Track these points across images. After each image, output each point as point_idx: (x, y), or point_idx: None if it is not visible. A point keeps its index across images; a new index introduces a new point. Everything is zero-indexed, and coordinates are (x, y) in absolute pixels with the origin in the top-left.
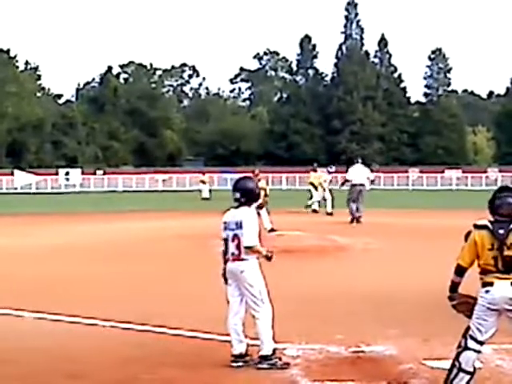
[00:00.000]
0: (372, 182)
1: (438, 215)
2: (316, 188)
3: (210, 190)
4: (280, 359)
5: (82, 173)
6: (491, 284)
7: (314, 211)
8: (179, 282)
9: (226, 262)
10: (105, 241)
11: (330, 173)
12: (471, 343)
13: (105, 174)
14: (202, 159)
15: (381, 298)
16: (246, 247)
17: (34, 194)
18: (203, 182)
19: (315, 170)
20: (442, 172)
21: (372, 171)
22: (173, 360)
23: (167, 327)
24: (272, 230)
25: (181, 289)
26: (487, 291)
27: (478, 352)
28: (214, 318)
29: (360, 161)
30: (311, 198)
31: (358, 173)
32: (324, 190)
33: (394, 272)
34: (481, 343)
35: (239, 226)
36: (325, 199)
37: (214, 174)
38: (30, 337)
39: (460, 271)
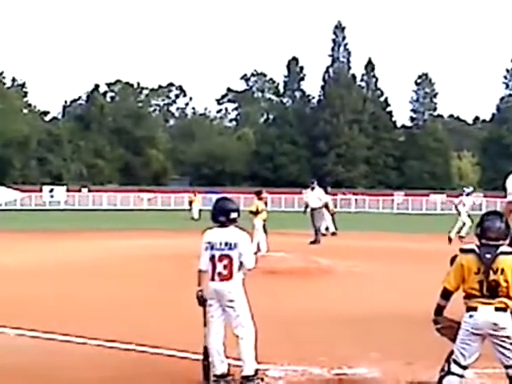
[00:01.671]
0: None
1: (422, 239)
2: (329, 211)
3: (200, 211)
4: (262, 380)
5: (67, 190)
6: (475, 309)
7: (334, 234)
8: (161, 302)
9: (200, 282)
10: (88, 259)
11: (468, 195)
12: (454, 367)
13: (90, 191)
14: (188, 179)
15: (364, 320)
16: (249, 269)
17: (18, 210)
18: (191, 202)
19: (327, 193)
20: (427, 196)
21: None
22: (152, 380)
23: (148, 346)
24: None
25: (163, 308)
26: (471, 316)
27: (461, 376)
28: (196, 338)
29: (315, 183)
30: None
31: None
32: (460, 214)
33: (377, 295)
34: (464, 368)
35: (232, 246)
36: (463, 224)
37: (199, 194)
38: (8, 354)
39: (446, 294)
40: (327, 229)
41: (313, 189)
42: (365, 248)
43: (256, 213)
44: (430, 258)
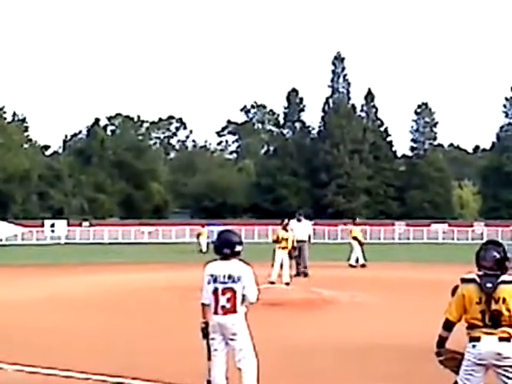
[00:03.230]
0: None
1: (424, 269)
2: (360, 242)
3: (208, 244)
4: None
5: (68, 224)
6: (478, 339)
7: (352, 266)
8: (161, 335)
9: (204, 315)
10: (89, 293)
11: None
12: None
13: (91, 225)
14: (189, 212)
15: (368, 351)
16: (252, 302)
17: (20, 245)
18: (199, 235)
19: (356, 224)
20: (429, 226)
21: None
22: None
23: (151, 380)
24: (287, 283)
25: (162, 342)
26: (474, 346)
27: None
28: (194, 371)
29: (302, 215)
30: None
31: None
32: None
33: (380, 326)
34: None
35: (235, 279)
36: None
37: (207, 227)
38: None
39: (448, 326)
40: (357, 260)
41: (299, 220)
42: (366, 278)
43: (277, 241)
44: (431, 288)
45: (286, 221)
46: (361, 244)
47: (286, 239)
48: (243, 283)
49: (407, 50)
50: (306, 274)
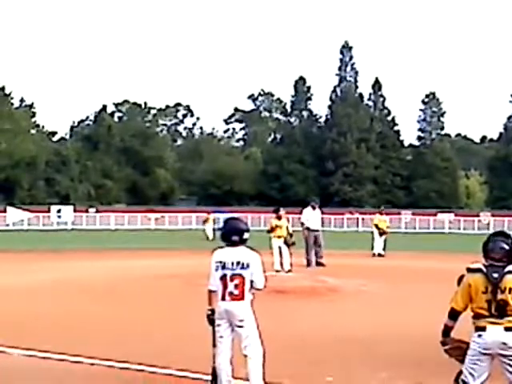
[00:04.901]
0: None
1: (430, 258)
2: (381, 231)
3: (214, 230)
4: None
5: (75, 210)
6: (484, 329)
7: (374, 255)
8: (168, 322)
9: (211, 302)
10: (96, 279)
11: None
12: None
13: (97, 211)
14: (195, 199)
15: (372, 340)
16: (259, 289)
17: (26, 230)
18: (206, 221)
19: (381, 213)
20: (435, 215)
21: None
22: None
23: (158, 366)
24: (289, 270)
25: (170, 328)
26: (480, 336)
27: None
28: (203, 357)
29: (314, 202)
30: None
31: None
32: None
33: (385, 315)
34: None
35: (244, 266)
36: None
37: (213, 214)
38: (18, 375)
39: (453, 315)
40: (373, 248)
41: (314, 208)
42: (372, 267)
43: (271, 231)
44: (437, 277)
45: (282, 211)
46: (383, 233)
47: (280, 227)
48: (252, 270)
49: (415, 40)
50: (321, 264)
